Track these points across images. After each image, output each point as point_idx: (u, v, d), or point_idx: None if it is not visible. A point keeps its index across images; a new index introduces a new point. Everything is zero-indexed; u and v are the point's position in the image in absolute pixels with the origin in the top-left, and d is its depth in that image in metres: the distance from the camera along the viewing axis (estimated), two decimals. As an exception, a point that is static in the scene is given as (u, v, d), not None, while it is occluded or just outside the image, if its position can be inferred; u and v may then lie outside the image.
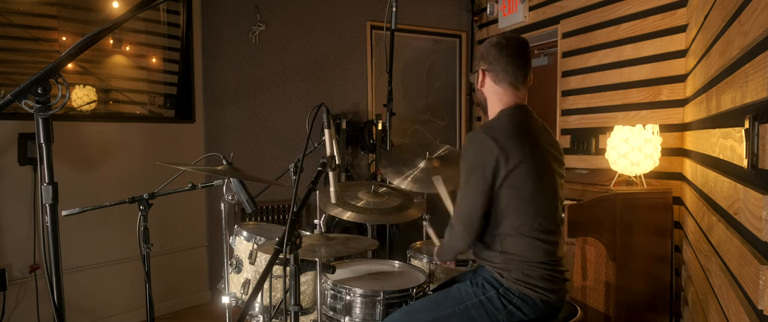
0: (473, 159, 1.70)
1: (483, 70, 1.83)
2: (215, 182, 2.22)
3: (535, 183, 1.70)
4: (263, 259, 2.21)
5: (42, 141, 1.16)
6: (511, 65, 1.78)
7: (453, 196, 2.01)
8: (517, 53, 1.78)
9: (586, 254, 3.00)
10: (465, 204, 1.73)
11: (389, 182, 2.59)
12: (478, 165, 1.68)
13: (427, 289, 2.13)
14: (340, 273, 2.18)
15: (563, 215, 2.66)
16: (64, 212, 1.83)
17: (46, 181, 1.18)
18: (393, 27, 2.94)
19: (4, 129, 3.01)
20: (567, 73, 3.88)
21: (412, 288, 2.01)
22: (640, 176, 2.89)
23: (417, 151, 2.62)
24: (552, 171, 1.78)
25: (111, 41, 3.67)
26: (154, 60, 3.92)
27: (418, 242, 2.59)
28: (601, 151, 3.42)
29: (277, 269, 2.03)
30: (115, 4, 3.64)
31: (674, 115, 3.05)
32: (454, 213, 1.77)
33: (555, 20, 3.98)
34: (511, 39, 1.81)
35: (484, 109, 1.91)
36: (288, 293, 1.52)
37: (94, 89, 3.51)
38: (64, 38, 3.40)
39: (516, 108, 1.80)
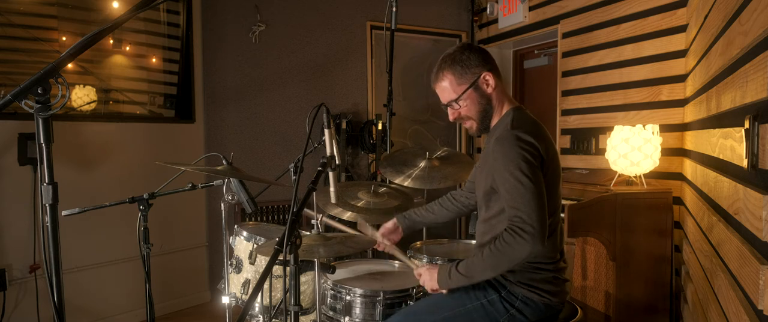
0: (524, 158, 1.59)
1: (489, 71, 1.74)
2: (215, 182, 2.22)
3: (555, 181, 1.71)
4: (263, 259, 2.21)
5: (42, 141, 1.15)
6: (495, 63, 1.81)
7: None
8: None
9: (586, 254, 2.99)
10: (535, 204, 1.55)
11: (389, 182, 2.59)
12: (531, 163, 1.59)
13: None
14: (340, 273, 2.17)
15: (563, 215, 2.66)
16: (64, 212, 1.83)
17: (46, 181, 1.17)
18: (393, 27, 2.94)
19: (4, 129, 3.01)
20: (567, 73, 3.88)
21: (412, 288, 2.00)
22: (640, 176, 2.89)
23: (417, 153, 2.63)
24: (560, 168, 1.79)
25: (111, 41, 3.67)
26: (154, 60, 3.92)
27: (418, 242, 2.59)
28: (601, 151, 3.42)
29: (277, 269, 2.03)
30: (115, 4, 3.64)
31: (674, 115, 3.05)
32: (518, 217, 1.56)
33: (555, 20, 3.98)
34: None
35: (486, 122, 1.81)
36: (288, 293, 1.52)
37: (94, 89, 3.51)
38: (64, 38, 3.40)
39: (519, 109, 1.79)
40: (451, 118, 1.81)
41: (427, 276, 1.77)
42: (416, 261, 2.13)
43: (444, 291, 1.75)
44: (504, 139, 1.63)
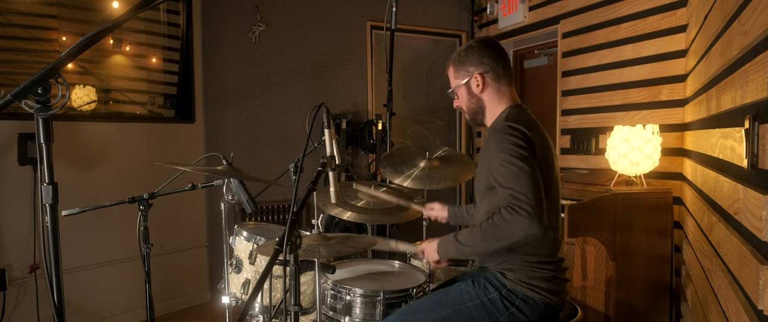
0: (517, 144, 1.60)
1: (481, 74, 1.80)
2: (215, 182, 2.22)
3: (549, 178, 1.71)
4: (263, 259, 2.21)
5: (42, 141, 1.15)
6: (505, 61, 1.84)
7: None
8: (503, 51, 1.85)
9: (586, 254, 2.99)
10: (531, 185, 1.54)
11: (389, 182, 2.58)
12: (525, 148, 1.60)
13: (427, 289, 2.13)
14: (340, 273, 2.17)
15: (562, 215, 2.66)
16: (64, 212, 1.83)
17: (46, 181, 1.18)
18: (393, 27, 2.94)
19: (4, 129, 3.01)
20: (567, 73, 3.88)
21: (412, 288, 2.01)
22: (640, 176, 2.89)
23: (417, 153, 2.62)
24: (557, 168, 1.80)
25: (111, 41, 3.67)
26: (154, 60, 3.92)
27: (419, 242, 2.59)
28: (601, 151, 3.42)
29: (277, 269, 2.03)
30: (115, 4, 3.64)
31: (674, 115, 3.05)
32: (513, 196, 1.54)
33: (555, 20, 3.98)
34: (490, 39, 1.89)
35: (478, 118, 1.88)
36: (288, 293, 1.52)
37: (94, 89, 3.51)
38: (64, 38, 3.40)
39: (518, 106, 1.82)
40: (454, 104, 1.96)
41: (429, 249, 1.84)
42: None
43: (442, 263, 1.86)
44: (497, 129, 1.70)
